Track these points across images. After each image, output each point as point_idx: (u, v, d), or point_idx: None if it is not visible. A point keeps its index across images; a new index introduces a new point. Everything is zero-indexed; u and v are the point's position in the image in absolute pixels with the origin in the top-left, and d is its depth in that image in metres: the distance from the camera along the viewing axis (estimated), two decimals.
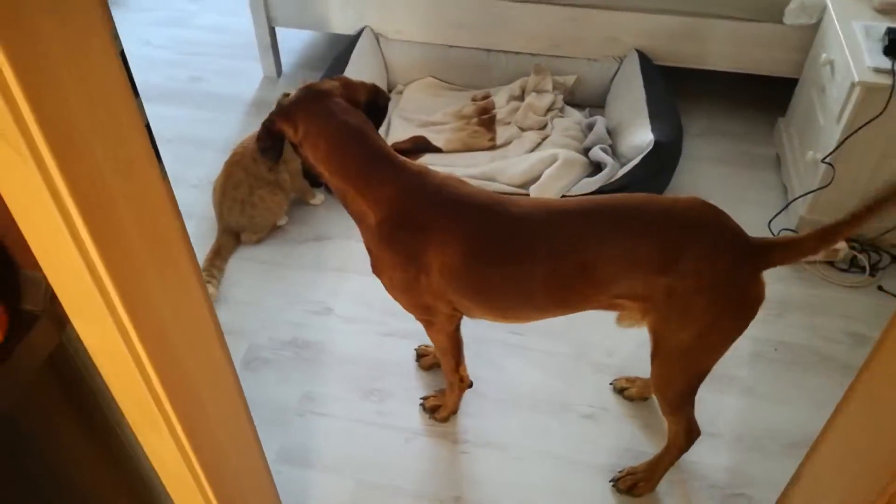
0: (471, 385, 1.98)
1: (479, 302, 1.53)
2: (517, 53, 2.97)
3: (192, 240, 0.95)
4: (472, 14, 2.89)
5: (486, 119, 2.80)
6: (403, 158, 1.50)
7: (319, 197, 2.60)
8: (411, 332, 2.16)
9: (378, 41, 3.02)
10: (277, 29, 3.14)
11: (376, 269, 1.59)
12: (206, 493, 1.16)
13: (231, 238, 2.43)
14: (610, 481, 1.82)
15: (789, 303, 2.28)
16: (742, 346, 2.13)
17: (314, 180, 1.56)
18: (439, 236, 1.44)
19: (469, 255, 1.44)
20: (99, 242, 0.76)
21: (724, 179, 2.73)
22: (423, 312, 1.63)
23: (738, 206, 2.58)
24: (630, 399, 2.01)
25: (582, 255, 1.41)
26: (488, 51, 2.99)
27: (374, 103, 1.57)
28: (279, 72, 3.26)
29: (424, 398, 1.99)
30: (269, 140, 1.51)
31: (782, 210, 2.48)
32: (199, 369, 1.05)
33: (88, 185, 0.73)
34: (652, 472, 1.77)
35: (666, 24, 2.79)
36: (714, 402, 1.99)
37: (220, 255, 2.38)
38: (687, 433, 1.66)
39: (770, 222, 2.49)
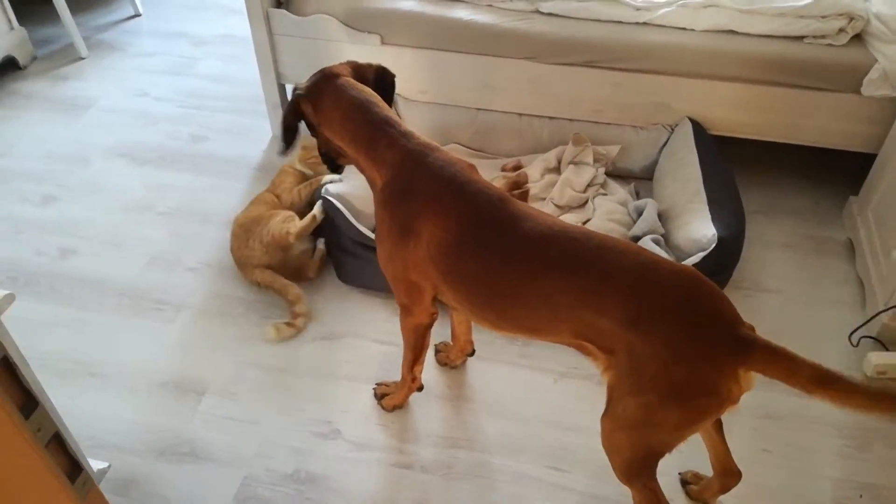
0: (421, 388, 1.95)
1: (455, 288, 1.53)
2: (552, 118, 2.66)
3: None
4: (504, 75, 2.58)
5: (518, 195, 2.48)
6: (412, 130, 1.58)
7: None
8: (432, 465, 1.86)
9: (398, 102, 2.72)
10: (288, 86, 2.85)
11: (376, 236, 1.64)
12: None
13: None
14: None
15: (873, 432, 1.95)
16: (821, 490, 1.81)
17: (333, 164, 1.72)
18: (435, 207, 1.48)
19: (459, 236, 1.46)
20: None
21: (789, 269, 2.40)
22: (406, 292, 1.64)
23: (813, 306, 2.29)
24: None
25: (554, 280, 1.39)
26: (520, 115, 2.68)
27: (382, 80, 1.71)
28: None
29: (377, 384, 2.01)
30: (293, 118, 1.66)
31: (865, 323, 2.13)
32: None
33: None
34: None
35: (724, 92, 2.46)
36: None
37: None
38: None
39: (851, 335, 2.14)
